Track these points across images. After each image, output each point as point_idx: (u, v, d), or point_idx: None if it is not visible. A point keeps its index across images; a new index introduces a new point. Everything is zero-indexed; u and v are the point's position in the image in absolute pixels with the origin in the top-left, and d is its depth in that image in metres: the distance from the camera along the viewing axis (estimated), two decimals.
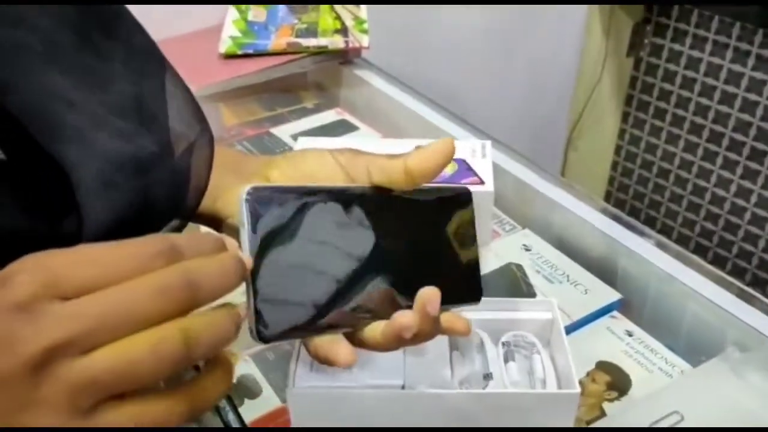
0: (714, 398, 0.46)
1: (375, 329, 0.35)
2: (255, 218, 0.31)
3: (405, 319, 0.34)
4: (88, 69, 0.34)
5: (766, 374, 0.46)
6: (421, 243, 0.38)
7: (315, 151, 0.39)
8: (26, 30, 0.32)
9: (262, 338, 0.31)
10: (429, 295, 0.34)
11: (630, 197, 1.65)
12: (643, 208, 1.62)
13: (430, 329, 0.35)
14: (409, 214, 0.37)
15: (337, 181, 0.37)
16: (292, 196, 0.33)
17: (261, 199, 0.32)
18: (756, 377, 0.46)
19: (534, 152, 1.39)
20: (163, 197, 0.34)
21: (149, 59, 0.38)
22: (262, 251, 0.31)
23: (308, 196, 0.33)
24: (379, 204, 0.36)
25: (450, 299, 0.37)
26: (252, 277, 0.31)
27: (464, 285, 0.40)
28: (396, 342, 0.35)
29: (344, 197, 0.35)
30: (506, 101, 1.46)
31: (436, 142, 0.36)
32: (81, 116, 0.32)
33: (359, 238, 0.35)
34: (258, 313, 0.31)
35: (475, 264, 0.40)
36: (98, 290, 0.25)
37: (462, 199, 0.40)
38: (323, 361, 0.34)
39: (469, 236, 0.40)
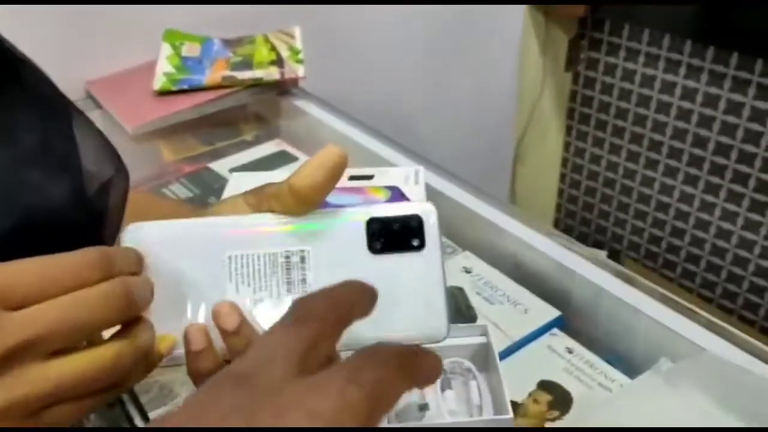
0: (648, 411, 0.47)
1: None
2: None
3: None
4: None
5: (697, 383, 0.47)
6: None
7: (230, 199, 0.37)
8: None
9: None
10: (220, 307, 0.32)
11: (580, 208, 1.67)
12: (593, 219, 1.65)
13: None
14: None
15: None
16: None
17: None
18: (687, 387, 0.46)
19: (483, 168, 1.40)
20: (78, 239, 0.34)
21: (55, 104, 0.38)
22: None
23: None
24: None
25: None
26: None
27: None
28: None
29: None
30: (452, 120, 1.47)
31: (319, 154, 0.33)
32: None
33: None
34: None
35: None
36: (43, 300, 0.26)
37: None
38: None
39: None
